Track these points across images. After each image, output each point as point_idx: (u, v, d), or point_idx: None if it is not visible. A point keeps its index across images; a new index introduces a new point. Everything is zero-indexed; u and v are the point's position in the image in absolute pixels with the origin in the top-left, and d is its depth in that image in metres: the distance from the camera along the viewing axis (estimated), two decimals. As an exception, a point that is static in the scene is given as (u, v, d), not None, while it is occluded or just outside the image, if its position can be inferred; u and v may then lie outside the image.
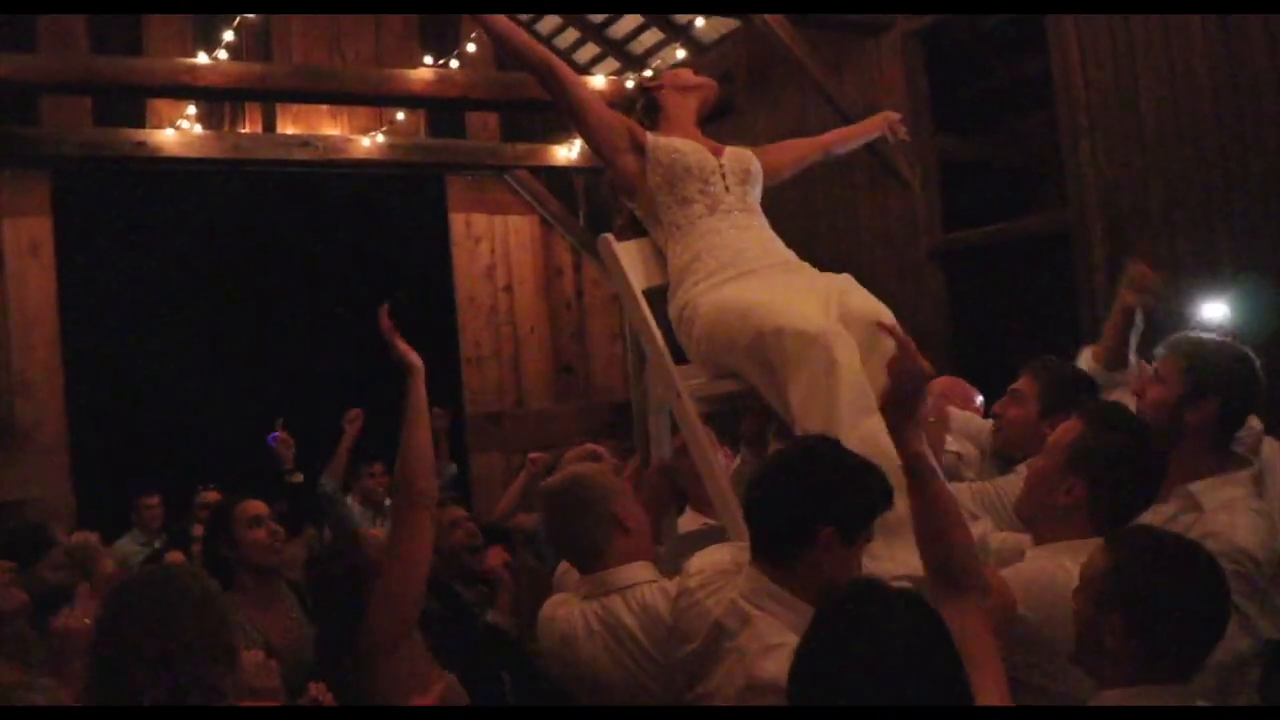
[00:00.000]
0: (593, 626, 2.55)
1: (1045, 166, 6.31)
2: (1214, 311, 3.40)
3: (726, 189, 3.07)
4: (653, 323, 3.01)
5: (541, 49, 3.19)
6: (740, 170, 3.12)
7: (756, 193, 3.16)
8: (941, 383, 3.76)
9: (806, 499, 2.15)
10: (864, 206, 6.81)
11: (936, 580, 1.98)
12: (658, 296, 3.12)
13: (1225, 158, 4.84)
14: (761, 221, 3.13)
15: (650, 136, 3.11)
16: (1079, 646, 1.96)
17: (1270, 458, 2.92)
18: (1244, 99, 4.76)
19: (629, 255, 3.12)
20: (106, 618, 2.12)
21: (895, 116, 3.74)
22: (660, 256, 3.14)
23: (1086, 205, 5.42)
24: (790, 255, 3.08)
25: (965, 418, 3.41)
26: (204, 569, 3.65)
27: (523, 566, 4.33)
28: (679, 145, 3.07)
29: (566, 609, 2.68)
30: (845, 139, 3.80)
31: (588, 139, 3.19)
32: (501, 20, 3.10)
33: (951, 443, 3.23)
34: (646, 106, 3.26)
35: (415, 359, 2.85)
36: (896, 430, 2.06)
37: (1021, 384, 3.08)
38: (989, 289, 6.36)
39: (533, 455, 6.13)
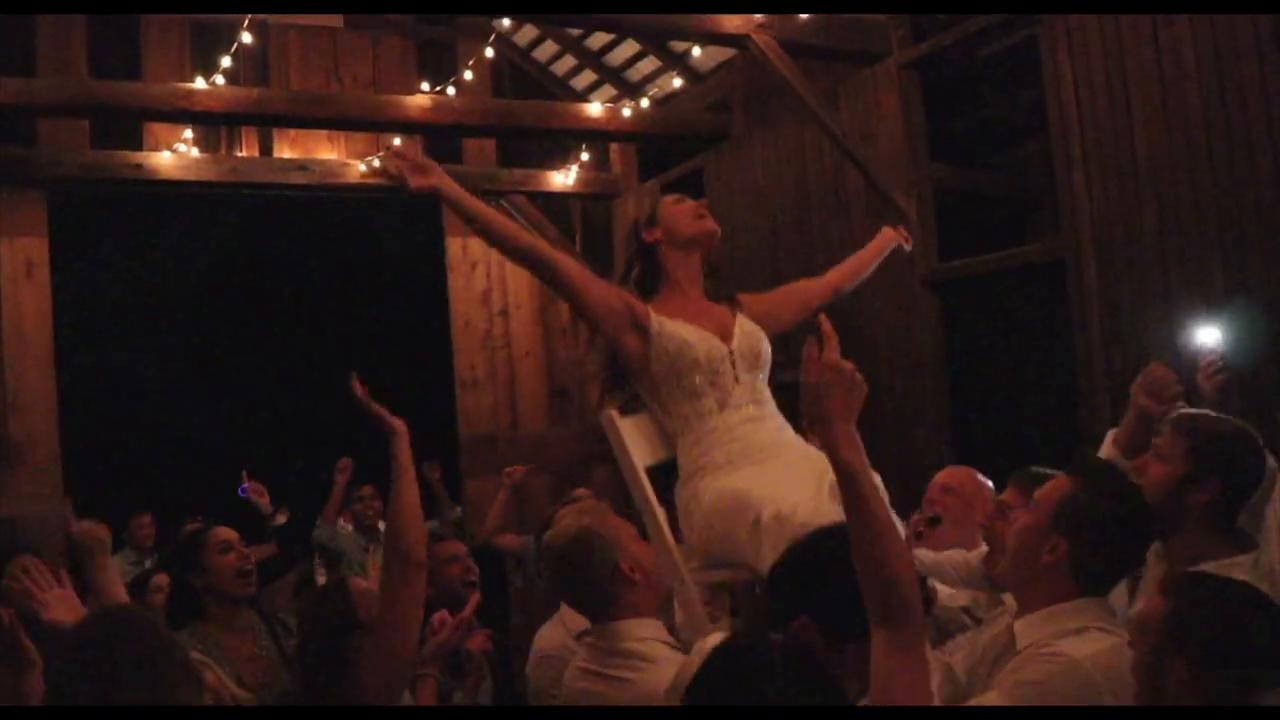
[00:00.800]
0: (591, 681, 2.57)
1: (1039, 196, 6.34)
2: (1207, 337, 3.37)
3: (736, 379, 2.94)
4: (656, 505, 2.91)
5: (528, 237, 3.09)
6: (751, 355, 2.99)
7: (766, 374, 3.04)
8: (952, 476, 3.64)
9: (789, 583, 2.13)
10: (860, 236, 6.81)
11: (873, 609, 1.87)
12: (659, 469, 3.03)
13: (1218, 187, 4.86)
14: (772, 410, 3.02)
15: (654, 317, 2.95)
16: (1141, 691, 1.94)
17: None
18: (1236, 129, 4.79)
19: (631, 432, 3.00)
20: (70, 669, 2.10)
21: (900, 229, 3.69)
22: (663, 431, 3.03)
23: (1080, 234, 5.44)
24: (797, 441, 2.97)
25: (955, 560, 3.21)
26: (173, 599, 3.63)
27: (512, 588, 4.32)
28: (686, 335, 2.92)
29: (558, 643, 2.68)
30: (857, 271, 3.61)
31: (588, 320, 3.04)
32: (490, 216, 2.98)
33: (957, 596, 3.13)
34: (644, 272, 3.10)
35: (395, 423, 2.88)
36: (820, 436, 1.92)
37: (1007, 496, 2.98)
38: (984, 317, 6.37)
39: (508, 470, 6.15)
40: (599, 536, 2.63)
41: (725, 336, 2.98)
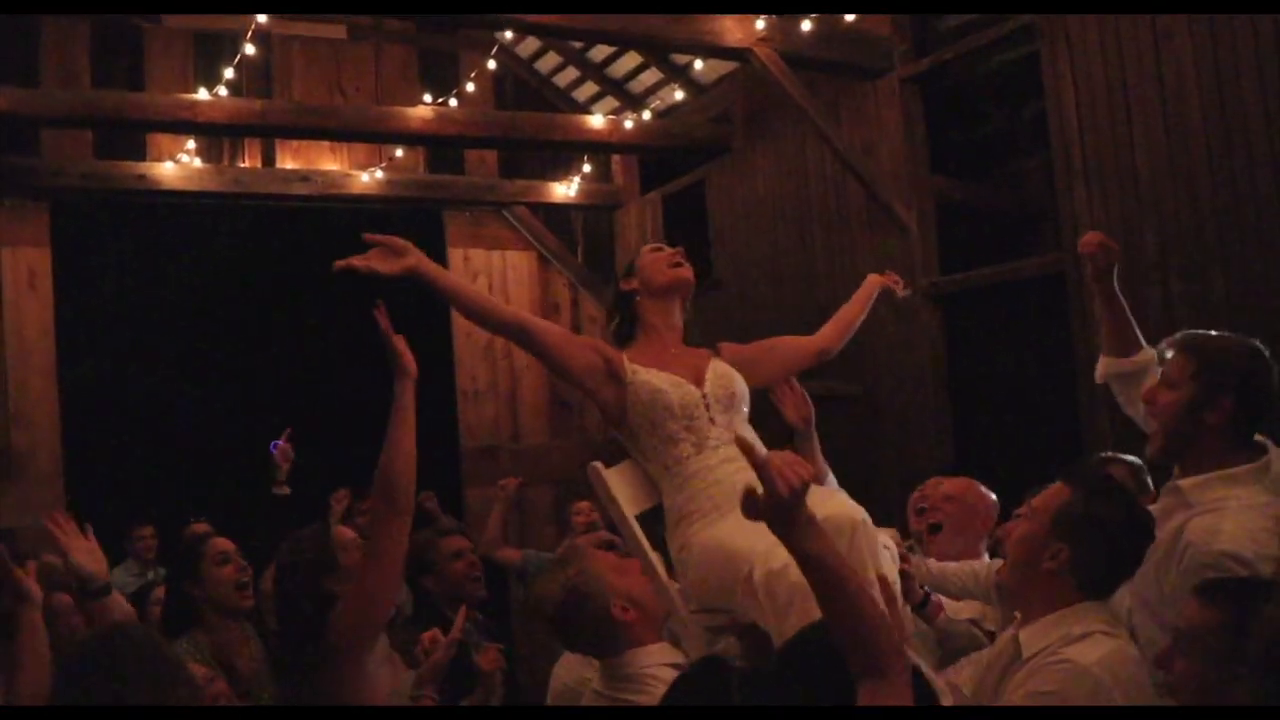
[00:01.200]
0: (599, 702, 2.58)
1: (1040, 209, 6.35)
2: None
3: (711, 420, 2.92)
4: (650, 550, 2.90)
5: (507, 309, 3.11)
6: (725, 396, 2.96)
7: (744, 411, 3.02)
8: (954, 485, 3.67)
9: (790, 676, 2.08)
10: (861, 249, 6.85)
11: (856, 666, 1.84)
12: (650, 516, 3.02)
13: (1218, 201, 4.88)
14: None
15: (628, 366, 2.96)
16: (1189, 703, 1.95)
17: None
18: (1236, 144, 4.81)
19: (618, 482, 3.00)
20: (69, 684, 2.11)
21: (888, 274, 3.65)
22: (648, 477, 3.03)
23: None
24: None
25: (962, 572, 3.21)
26: (169, 607, 3.62)
27: (514, 600, 4.31)
28: (659, 383, 2.92)
29: (578, 675, 2.80)
30: (844, 330, 3.53)
31: (573, 383, 3.04)
32: (470, 292, 3.04)
33: (962, 609, 3.14)
34: (623, 322, 3.13)
35: (410, 362, 2.85)
36: (782, 540, 1.87)
37: (1025, 510, 3.00)
38: (985, 330, 6.38)
39: (502, 482, 6.20)
40: (584, 589, 2.61)
41: (698, 380, 2.97)
